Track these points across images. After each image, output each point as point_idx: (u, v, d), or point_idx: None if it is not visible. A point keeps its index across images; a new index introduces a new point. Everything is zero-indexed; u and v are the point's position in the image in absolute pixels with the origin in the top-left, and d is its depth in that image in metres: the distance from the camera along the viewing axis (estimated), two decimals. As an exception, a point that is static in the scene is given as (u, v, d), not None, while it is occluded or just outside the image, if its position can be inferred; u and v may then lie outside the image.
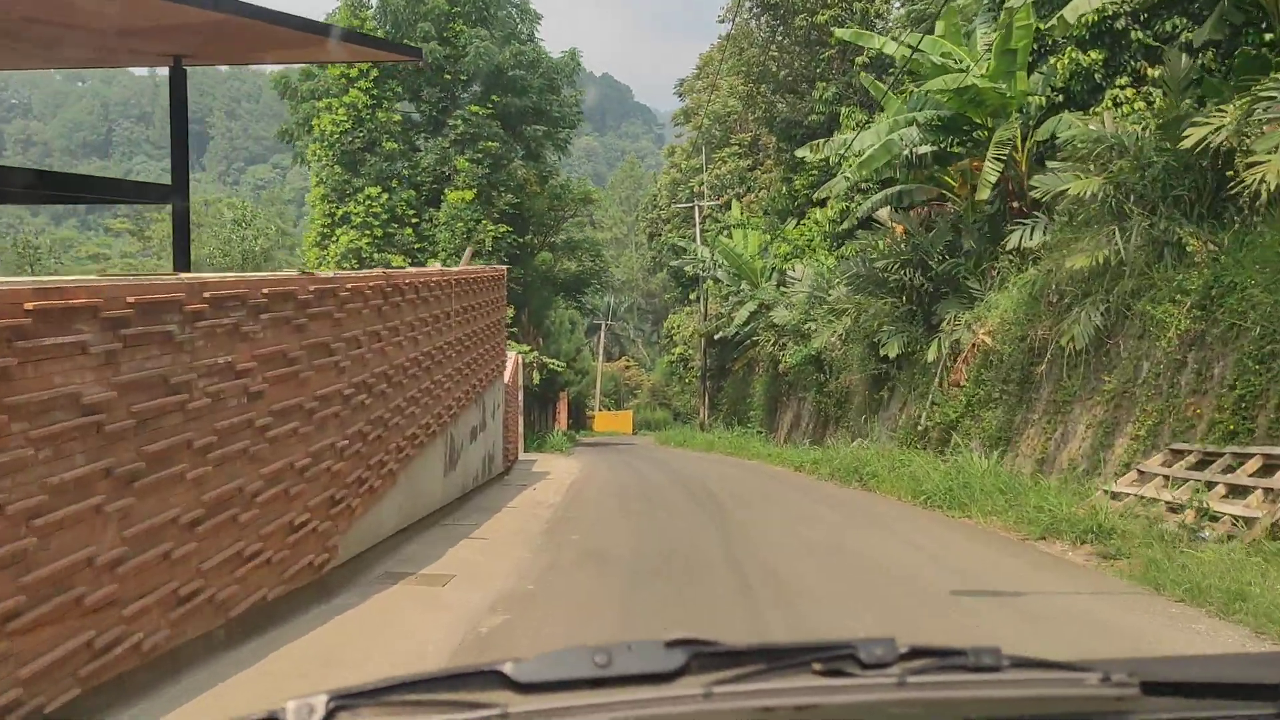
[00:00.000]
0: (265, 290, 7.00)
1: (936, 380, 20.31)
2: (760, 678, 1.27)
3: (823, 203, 34.92)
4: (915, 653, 1.32)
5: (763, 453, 28.28)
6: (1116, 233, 13.72)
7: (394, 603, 8.37)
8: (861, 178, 22.10)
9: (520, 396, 30.41)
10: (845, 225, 26.44)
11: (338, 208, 30.97)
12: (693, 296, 51.89)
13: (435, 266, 13.03)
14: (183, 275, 6.25)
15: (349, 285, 8.63)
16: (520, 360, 30.55)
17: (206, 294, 6.24)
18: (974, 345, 18.91)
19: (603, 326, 74.83)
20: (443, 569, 9.93)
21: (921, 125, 19.84)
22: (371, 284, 9.35)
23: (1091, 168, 15.38)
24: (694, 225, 48.93)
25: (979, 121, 19.89)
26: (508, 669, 1.22)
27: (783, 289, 32.75)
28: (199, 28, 11.24)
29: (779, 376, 33.72)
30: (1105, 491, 12.39)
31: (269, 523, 7.14)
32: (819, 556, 10.93)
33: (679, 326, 53.45)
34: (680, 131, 55.89)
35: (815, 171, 35.69)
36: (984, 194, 18.90)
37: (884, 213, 24.13)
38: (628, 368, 77.52)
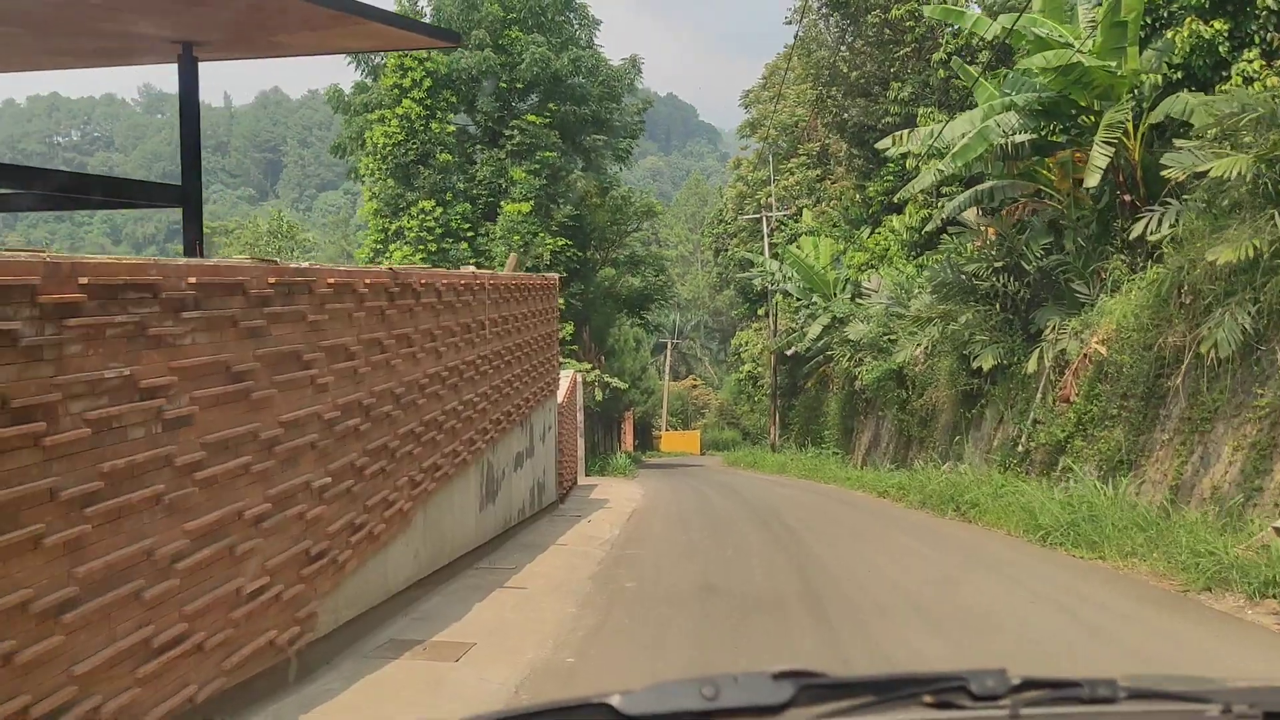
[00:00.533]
0: (192, 280, 5.09)
1: (1039, 395, 17.94)
2: (869, 710, 1.24)
3: (899, 209, 32.68)
4: (1028, 684, 1.28)
5: (840, 476, 25.95)
6: (1277, 217, 11.31)
7: (384, 689, 6.39)
8: (952, 171, 19.74)
9: (580, 417, 28.49)
10: (930, 227, 24.06)
11: (391, 223, 29.43)
12: (761, 312, 49.68)
13: (469, 269, 11.09)
14: (48, 254, 4.36)
15: (331, 280, 6.71)
16: (580, 379, 28.65)
17: (85, 279, 4.35)
18: (1085, 355, 16.50)
19: (669, 345, 72.85)
20: (462, 634, 7.93)
21: (1021, 109, 17.51)
22: (369, 281, 7.43)
23: (1229, 146, 13.02)
24: (761, 238, 46.85)
25: (1084, 104, 17.53)
26: (615, 701, 1.21)
27: (858, 301, 30.44)
28: (209, 3, 9.55)
29: (855, 394, 31.37)
30: (1277, 529, 9.99)
31: (200, 595, 5.21)
32: (930, 618, 8.71)
33: (747, 343, 51.25)
34: (746, 143, 53.81)
35: (890, 178, 33.48)
36: (1092, 180, 16.50)
37: (970, 214, 21.80)
38: (695, 386, 75.38)
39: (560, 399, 19.29)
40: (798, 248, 35.89)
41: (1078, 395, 16.58)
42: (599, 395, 30.52)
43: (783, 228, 43.52)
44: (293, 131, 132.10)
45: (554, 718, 1.24)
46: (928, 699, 1.26)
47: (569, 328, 29.78)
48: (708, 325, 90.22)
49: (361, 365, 7.33)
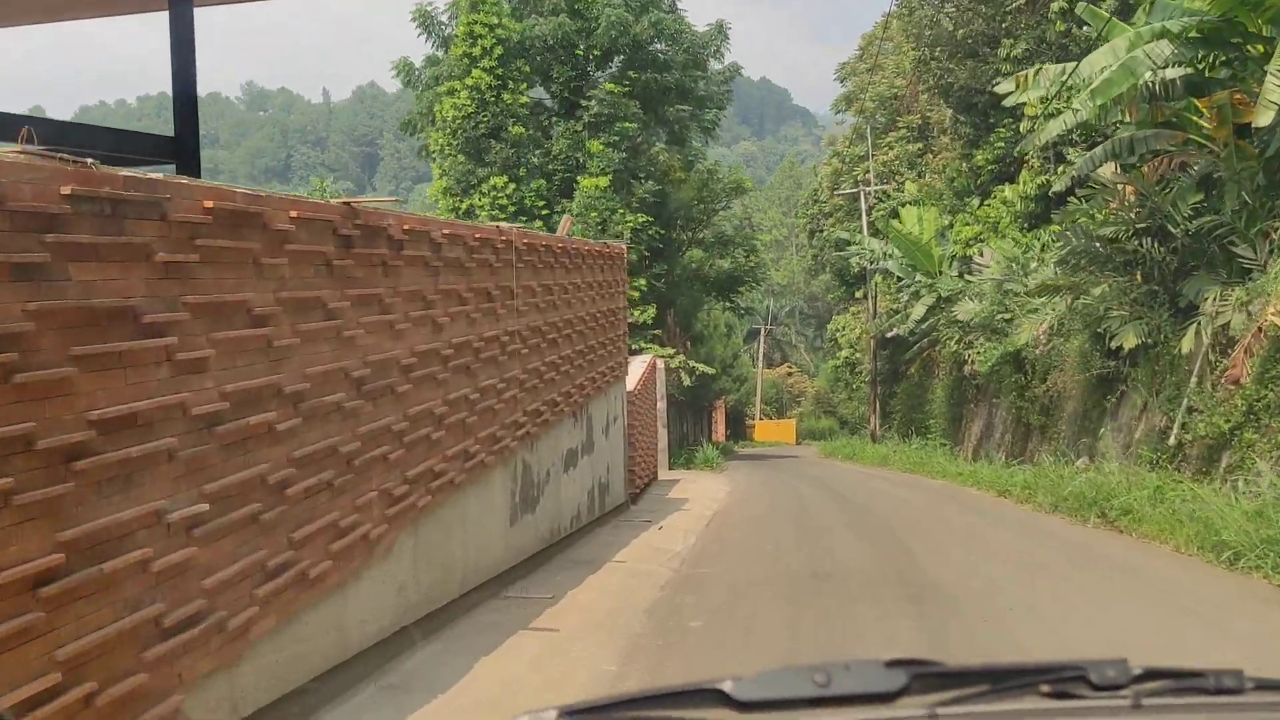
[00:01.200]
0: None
1: (1195, 378, 14.90)
2: (985, 699, 1.21)
3: (1011, 178, 29.48)
4: (1150, 674, 1.24)
5: (950, 470, 23.04)
6: None
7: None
8: (1087, 116, 16.72)
9: (662, 406, 26.08)
10: (1059, 185, 20.95)
11: (462, 201, 27.38)
12: (859, 295, 46.56)
13: (493, 226, 8.72)
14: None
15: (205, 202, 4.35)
16: (661, 364, 26.23)
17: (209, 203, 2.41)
18: (1259, 330, 13.44)
19: (762, 331, 69.94)
20: (446, 711, 5.57)
21: (1175, 37, 14.45)
22: (295, 215, 5.09)
23: None
24: (859, 216, 43.83)
25: (1254, 30, 14.41)
26: (728, 687, 1.19)
27: (967, 278, 27.38)
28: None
29: (964, 380, 28.32)
30: None
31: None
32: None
33: (844, 328, 48.18)
34: (842, 118, 50.62)
35: (1001, 144, 30.27)
36: (1264, 118, 13.44)
37: (1105, 171, 18.71)
38: (790, 374, 72.38)
39: (632, 386, 16.90)
40: (899, 222, 32.85)
41: (1249, 378, 13.54)
42: (685, 381, 28.05)
43: (881, 203, 40.40)
44: (389, 125, 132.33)
45: (665, 703, 1.22)
46: (1045, 689, 1.21)
47: (651, 310, 27.43)
48: (803, 311, 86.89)
49: (288, 336, 5.02)
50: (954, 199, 32.89)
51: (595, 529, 12.24)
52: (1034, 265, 24.51)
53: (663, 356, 27.22)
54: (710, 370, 28.73)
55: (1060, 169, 27.43)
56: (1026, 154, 29.03)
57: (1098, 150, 18.51)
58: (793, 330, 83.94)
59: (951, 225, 32.91)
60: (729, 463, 32.03)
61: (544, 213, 27.43)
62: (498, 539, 8.54)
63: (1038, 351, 22.03)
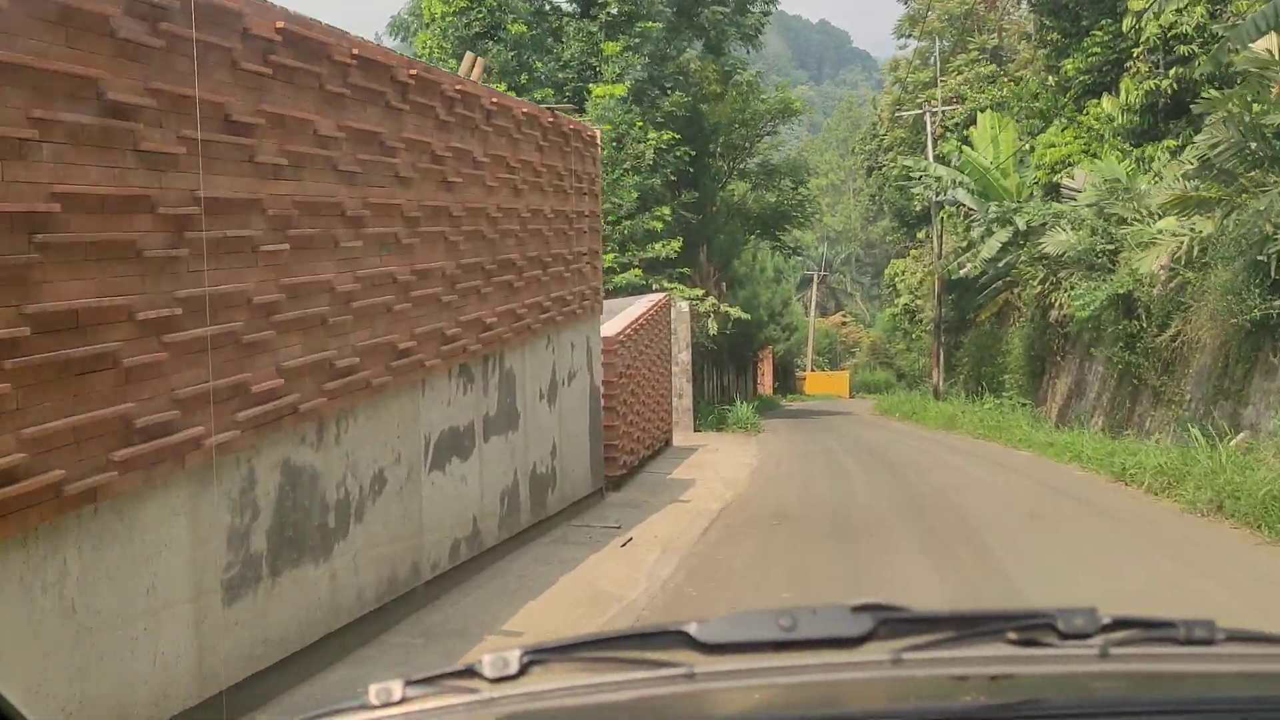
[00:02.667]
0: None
1: None
2: (952, 645, 1.18)
3: (1107, 89, 24.01)
4: (1120, 623, 1.19)
5: (1036, 439, 18.02)
6: None
7: None
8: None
9: (685, 357, 21.30)
10: (1201, 70, 15.68)
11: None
12: (920, 236, 41.14)
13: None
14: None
15: None
16: (686, 307, 21.41)
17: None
18: None
19: (815, 277, 64.53)
20: None
21: None
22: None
23: None
24: (923, 146, 38.54)
25: None
26: (692, 629, 1.16)
27: (1057, 205, 22.11)
28: None
29: (1049, 328, 23.18)
30: None
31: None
32: None
33: (903, 273, 42.84)
34: (905, 43, 44.75)
35: (1097, 49, 24.74)
36: None
37: (1263, 45, 13.50)
38: (844, 323, 67.01)
39: (618, 329, 12.16)
40: (970, 148, 27.47)
41: None
42: (713, 329, 23.22)
43: (947, 135, 34.86)
44: (380, 26, 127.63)
45: (631, 643, 1.21)
46: (1012, 635, 1.18)
47: (675, 244, 22.56)
48: (859, 259, 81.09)
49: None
50: (1037, 118, 27.37)
51: (513, 552, 7.59)
52: (1147, 185, 19.24)
53: (689, 299, 22.38)
54: (745, 316, 23.80)
55: (1169, 72, 22.00)
56: (1131, 56, 23.58)
57: (1251, 20, 13.23)
58: (848, 278, 78.24)
59: (1032, 149, 27.49)
60: (769, 422, 27.22)
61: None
62: (180, 643, 3.91)
63: (1155, 291, 16.86)
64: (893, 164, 42.23)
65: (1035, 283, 22.40)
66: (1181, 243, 15.08)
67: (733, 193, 32.75)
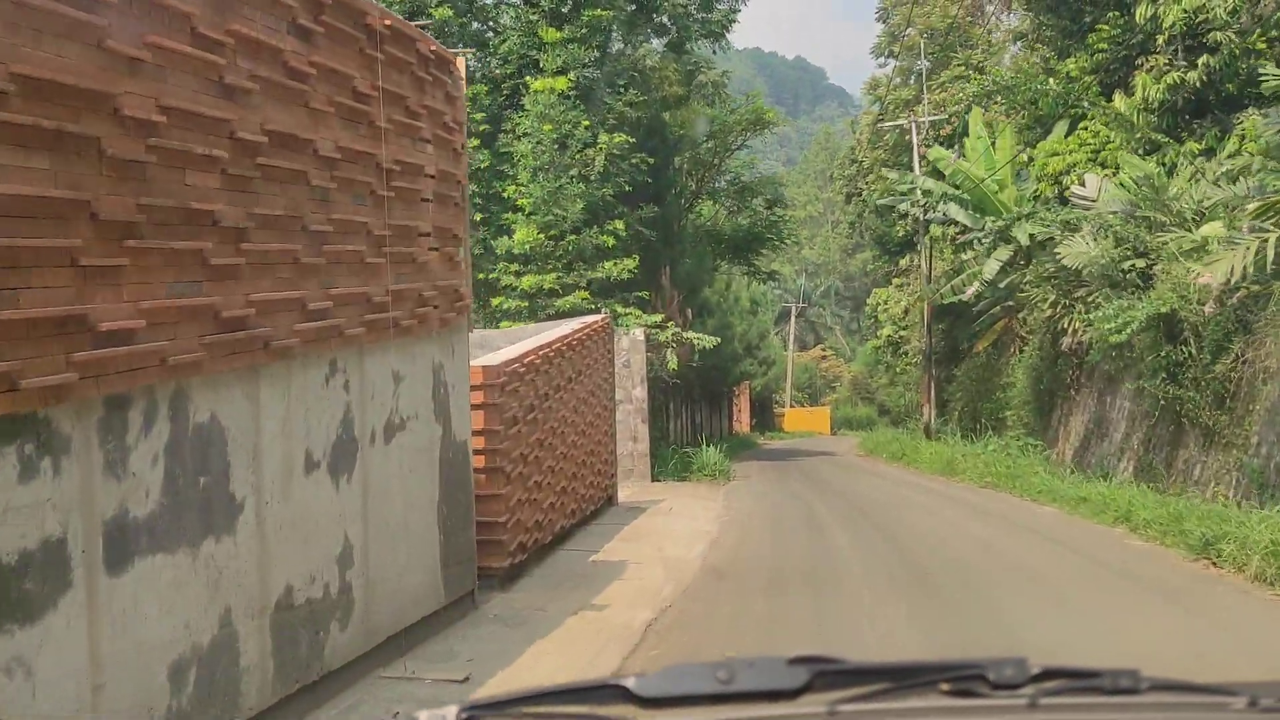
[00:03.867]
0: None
1: None
2: (886, 697, 1.17)
3: (1117, 89, 20.84)
4: (1048, 673, 1.18)
5: (1062, 492, 14.47)
6: None
7: None
8: None
9: (642, 393, 17.77)
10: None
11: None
12: (904, 262, 37.89)
13: None
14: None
15: None
16: (639, 336, 17.90)
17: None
18: None
19: (793, 310, 61.20)
20: None
21: None
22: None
23: None
24: (906, 168, 35.45)
25: None
26: (630, 684, 1.15)
27: (1070, 211, 18.78)
28: None
29: (1059, 357, 19.73)
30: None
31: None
32: None
33: (886, 302, 39.40)
34: (885, 62, 41.71)
35: (1104, 45, 21.63)
36: None
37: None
38: (824, 357, 63.60)
39: (514, 357, 8.56)
40: (962, 157, 24.19)
41: None
42: (673, 363, 19.66)
43: (936, 148, 31.66)
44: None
45: (569, 698, 1.19)
46: (945, 687, 1.17)
47: (630, 263, 19.05)
48: (839, 292, 77.90)
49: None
50: (1035, 125, 24.12)
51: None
52: (1180, 189, 15.92)
53: (646, 325, 18.84)
54: (708, 342, 20.22)
55: (1190, 63, 18.82)
56: (1146, 50, 20.43)
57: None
58: (828, 311, 74.99)
59: (1030, 160, 24.24)
60: (742, 466, 23.63)
61: (481, 130, 19.12)
62: None
63: (1207, 310, 13.40)
64: (873, 188, 39.12)
65: (1045, 305, 18.96)
66: (1250, 249, 11.64)
67: (701, 213, 29.37)
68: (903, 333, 37.42)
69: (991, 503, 14.64)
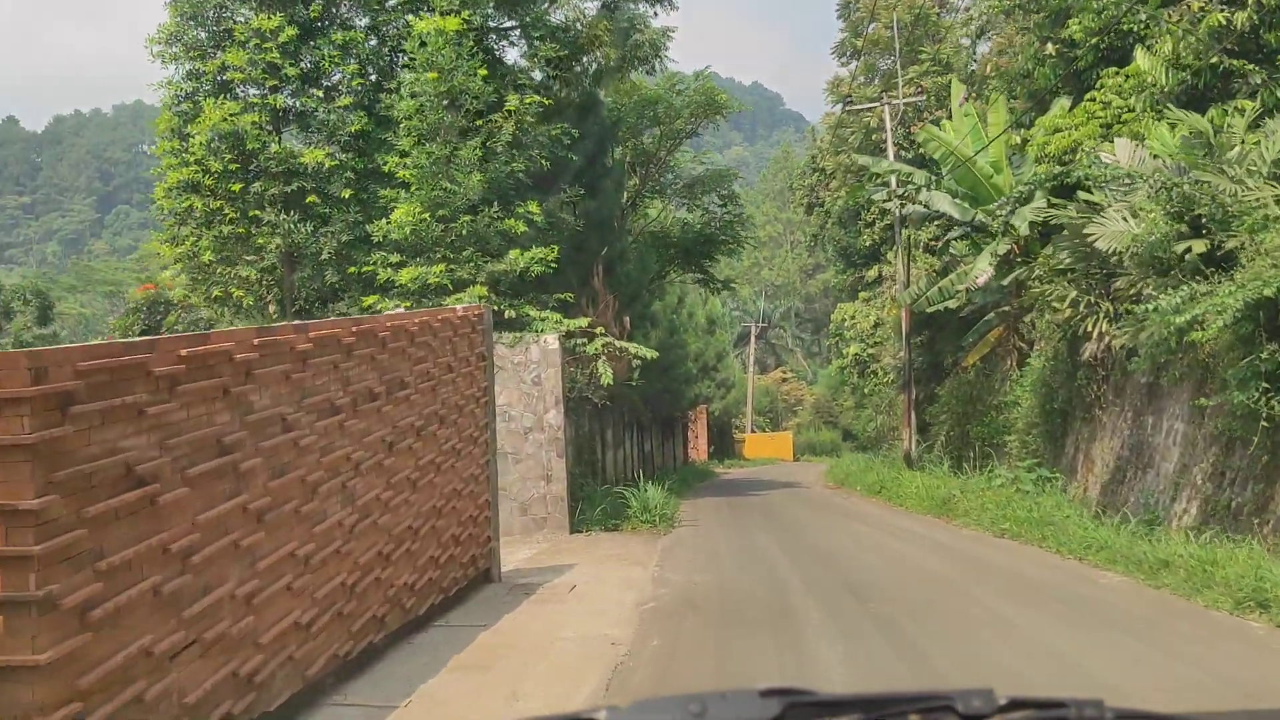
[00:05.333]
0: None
1: None
2: None
3: (1133, 51, 16.95)
4: (1015, 704, 1.18)
5: (1122, 551, 10.14)
6: None
7: None
8: None
9: (556, 418, 13.29)
10: None
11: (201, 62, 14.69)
12: (870, 275, 33.86)
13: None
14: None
15: None
16: (551, 345, 13.50)
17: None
18: None
19: (753, 331, 57.11)
20: None
21: None
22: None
23: None
24: (873, 173, 31.63)
25: None
26: (602, 716, 1.15)
27: (1113, 169, 14.63)
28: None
29: (1079, 369, 15.57)
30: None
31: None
32: None
33: (853, 318, 35.20)
34: (846, 61, 37.77)
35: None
36: None
37: None
38: (785, 380, 59.49)
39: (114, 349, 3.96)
40: (944, 131, 20.08)
41: None
42: (606, 377, 15.20)
43: (910, 142, 27.67)
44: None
45: None
46: (914, 718, 1.16)
47: (546, 253, 14.66)
48: (799, 313, 74.05)
49: None
50: (1030, 100, 20.11)
51: None
52: (1253, 142, 11.90)
53: (565, 331, 14.41)
54: (647, 354, 15.75)
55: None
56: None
57: None
58: (789, 333, 71.01)
59: (1024, 143, 20.27)
60: (694, 504, 19.23)
61: (356, 83, 14.66)
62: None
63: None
64: (836, 194, 35.17)
65: (1062, 305, 14.76)
66: None
67: (647, 214, 25.10)
68: (871, 350, 33.27)
69: (1028, 565, 10.27)
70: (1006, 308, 19.39)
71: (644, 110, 22.38)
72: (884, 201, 22.81)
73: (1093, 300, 14.33)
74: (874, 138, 31.74)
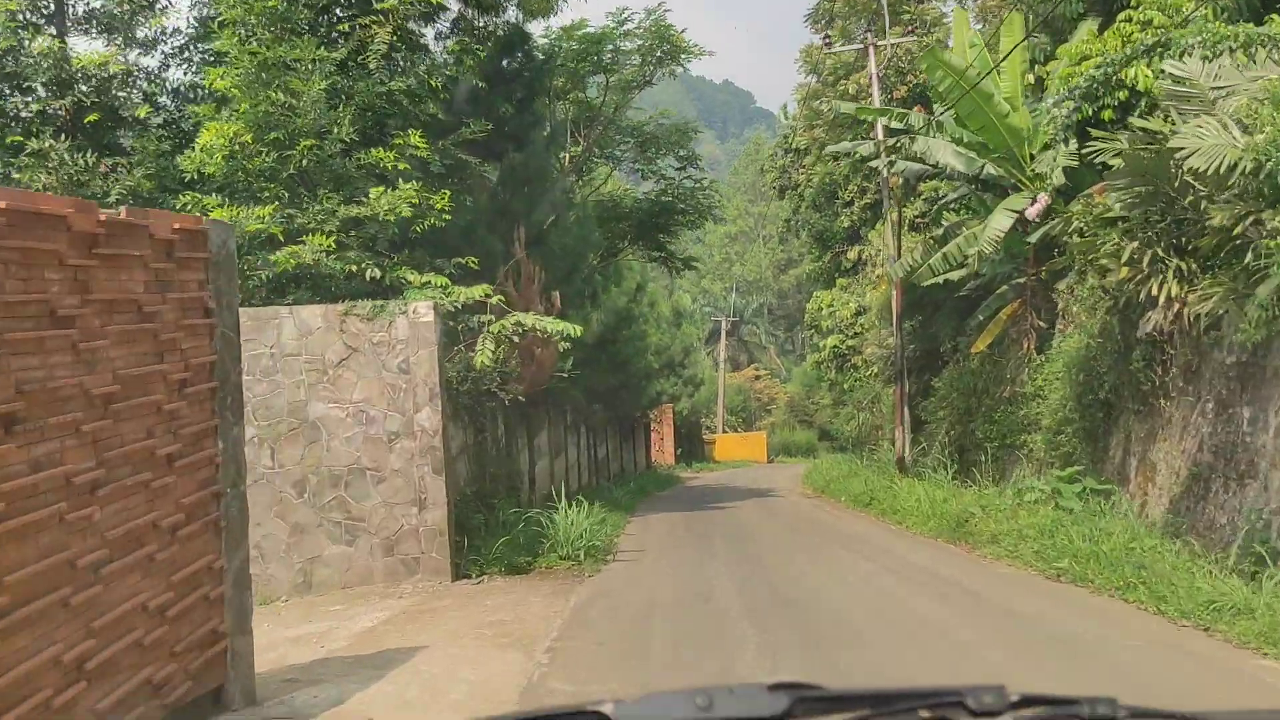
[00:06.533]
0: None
1: None
2: None
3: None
4: (1027, 700, 1.15)
5: (1272, 620, 6.08)
6: None
7: None
8: None
9: (432, 419, 9.16)
10: None
11: None
12: (851, 256, 29.88)
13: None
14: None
15: None
16: (424, 315, 9.28)
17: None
18: None
19: (724, 326, 53.21)
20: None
21: None
22: None
23: None
24: (860, 115, 27.90)
25: None
26: (609, 709, 1.10)
27: (1145, 110, 10.72)
28: None
29: (1134, 347, 11.63)
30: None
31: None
32: None
33: (831, 306, 31.18)
34: (820, 31, 33.75)
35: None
36: None
37: None
38: (757, 377, 55.56)
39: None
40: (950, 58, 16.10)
41: None
42: (484, 356, 11.04)
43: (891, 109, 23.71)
44: None
45: None
46: (924, 714, 1.12)
47: (437, 199, 10.56)
48: (772, 309, 70.18)
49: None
50: (1046, 30, 16.22)
51: None
52: None
53: (444, 300, 10.28)
54: (569, 330, 11.55)
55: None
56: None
57: None
58: (761, 330, 67.06)
59: (1041, 81, 16.50)
60: (643, 523, 15.26)
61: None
62: None
63: None
64: (813, 170, 31.31)
65: (1116, 262, 10.83)
66: None
67: (594, 181, 21.10)
68: (851, 342, 29.29)
69: (1138, 646, 6.26)
70: (1022, 279, 15.50)
71: (587, 54, 18.36)
72: (870, 159, 18.83)
73: (1159, 255, 10.44)
74: (860, 98, 27.77)
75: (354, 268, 9.88)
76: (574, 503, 12.01)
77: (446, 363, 9.94)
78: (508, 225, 14.72)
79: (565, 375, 14.31)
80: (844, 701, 1.13)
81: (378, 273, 9.87)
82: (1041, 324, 15.23)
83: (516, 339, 11.72)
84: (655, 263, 21.83)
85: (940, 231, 17.14)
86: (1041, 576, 8.94)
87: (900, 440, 18.73)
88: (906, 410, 19.06)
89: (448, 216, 11.36)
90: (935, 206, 18.21)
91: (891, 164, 17.98)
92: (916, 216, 22.86)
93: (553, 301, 14.58)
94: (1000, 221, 14.22)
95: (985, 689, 1.13)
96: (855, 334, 28.87)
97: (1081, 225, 11.47)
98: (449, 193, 11.37)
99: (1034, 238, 13.61)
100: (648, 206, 20.41)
